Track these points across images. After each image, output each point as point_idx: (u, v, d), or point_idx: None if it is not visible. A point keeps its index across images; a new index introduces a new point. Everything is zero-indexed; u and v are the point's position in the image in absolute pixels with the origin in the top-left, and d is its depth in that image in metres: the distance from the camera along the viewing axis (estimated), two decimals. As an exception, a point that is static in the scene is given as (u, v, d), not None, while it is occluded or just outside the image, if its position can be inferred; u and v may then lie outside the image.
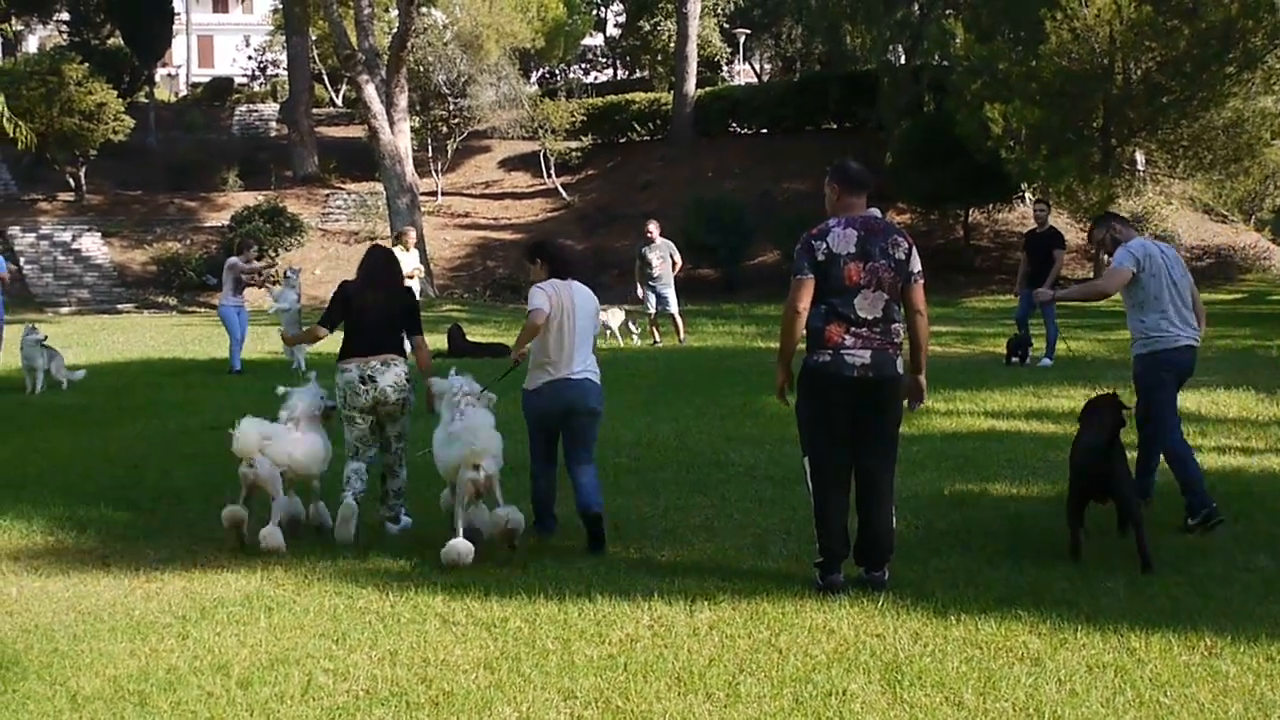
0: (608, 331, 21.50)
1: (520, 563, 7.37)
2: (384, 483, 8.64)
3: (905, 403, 6.86)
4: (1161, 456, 8.25)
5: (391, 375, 8.48)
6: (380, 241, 19.51)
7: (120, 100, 42.96)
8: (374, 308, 8.55)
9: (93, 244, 39.94)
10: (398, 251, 19.38)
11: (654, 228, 20.99)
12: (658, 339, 21.37)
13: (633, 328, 21.71)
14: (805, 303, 6.64)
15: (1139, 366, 8.30)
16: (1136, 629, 5.98)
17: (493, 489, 7.66)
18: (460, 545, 7.38)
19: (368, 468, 8.52)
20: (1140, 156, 31.54)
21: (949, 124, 30.43)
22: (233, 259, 18.73)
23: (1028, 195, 31.20)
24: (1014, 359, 16.77)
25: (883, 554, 6.76)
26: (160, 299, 37.22)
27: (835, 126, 43.06)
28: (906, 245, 6.69)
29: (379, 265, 8.80)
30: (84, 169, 42.93)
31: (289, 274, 19.33)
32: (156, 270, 38.37)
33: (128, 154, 45.29)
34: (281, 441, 8.28)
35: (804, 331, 6.72)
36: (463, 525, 7.51)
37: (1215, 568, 7.03)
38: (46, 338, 16.75)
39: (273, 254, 37.80)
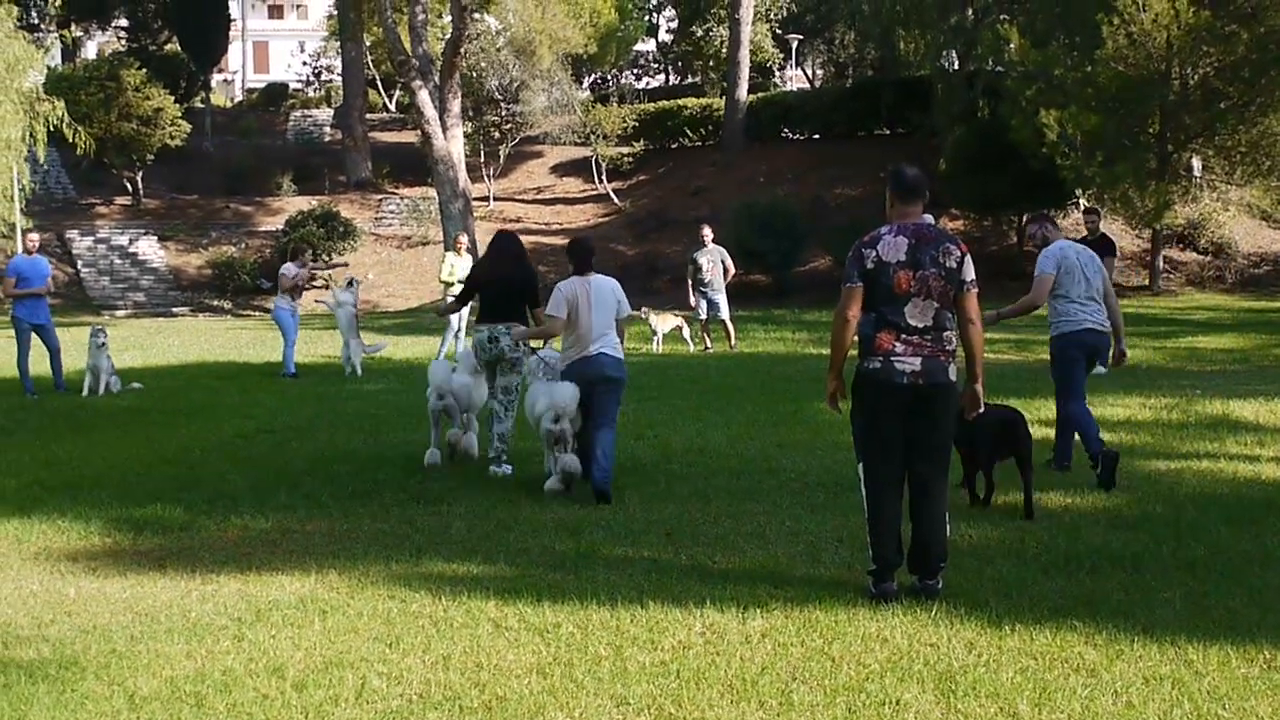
0: (654, 336, 21.49)
1: (572, 568, 7.39)
2: (491, 427, 10.75)
3: (962, 410, 6.83)
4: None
5: (510, 337, 10.62)
6: (466, 238, 19.87)
7: (177, 105, 43.47)
8: (499, 281, 10.68)
9: (149, 247, 40.39)
10: (450, 257, 19.52)
11: (708, 232, 21.04)
12: (709, 345, 21.36)
13: (689, 337, 21.71)
14: (855, 310, 6.64)
15: (1053, 346, 10.28)
16: (1194, 641, 5.91)
17: (566, 438, 9.66)
18: (568, 460, 9.62)
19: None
20: (1196, 162, 31.20)
21: (1003, 130, 30.24)
22: (287, 266, 18.84)
23: (1082, 201, 30.93)
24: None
25: (936, 562, 6.73)
26: (215, 302, 37.59)
27: (888, 132, 42.90)
28: (959, 253, 6.65)
29: (504, 247, 10.88)
30: (141, 173, 43.44)
31: (352, 282, 19.61)
32: (211, 274, 38.75)
33: (184, 159, 45.80)
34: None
35: (855, 339, 6.72)
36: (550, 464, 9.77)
37: (1273, 578, 6.95)
38: (105, 342, 16.92)
39: (326, 258, 38.09)
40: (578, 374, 9.80)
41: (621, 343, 10.01)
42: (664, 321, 21.69)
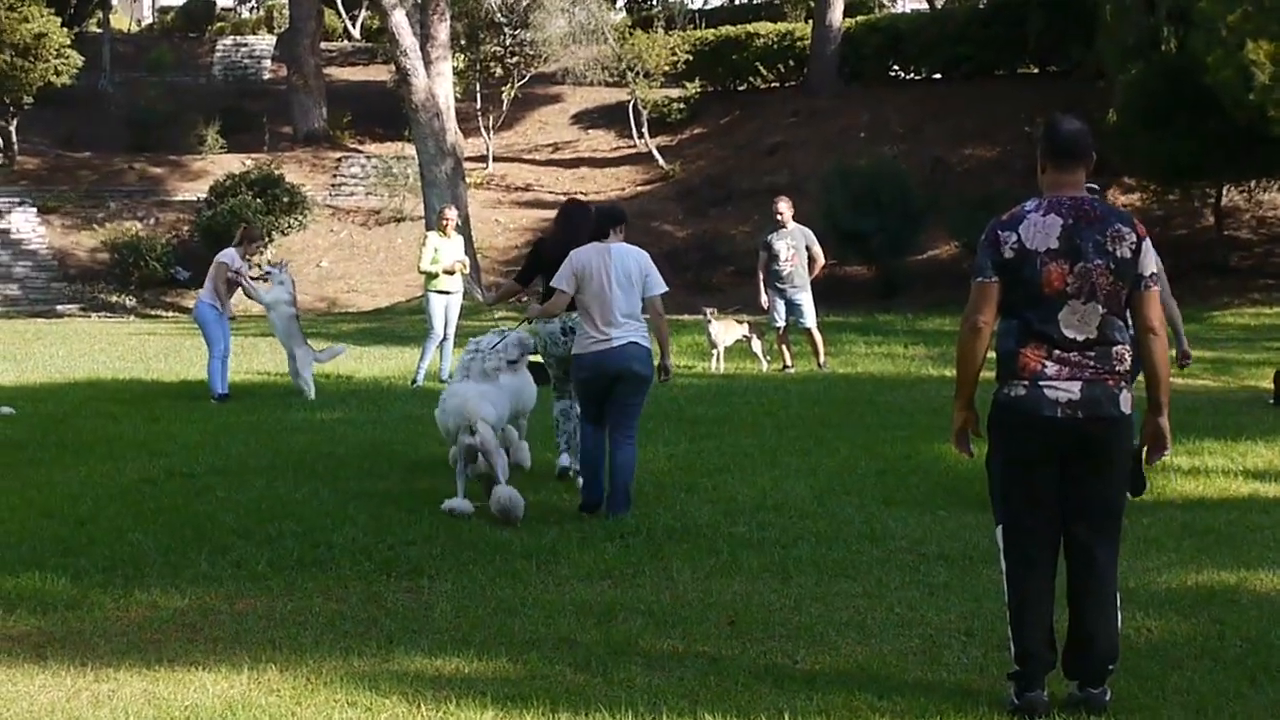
0: (714, 352, 21.49)
1: (600, 667, 7.39)
2: (560, 424, 12.29)
3: (1141, 454, 6.80)
4: None
5: None
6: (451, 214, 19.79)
7: (65, 30, 43.72)
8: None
9: (25, 223, 40.72)
10: (434, 239, 19.61)
11: (785, 207, 21.00)
12: (789, 362, 21.35)
13: (759, 349, 21.66)
14: (988, 316, 6.63)
15: None
16: None
17: (489, 454, 10.64)
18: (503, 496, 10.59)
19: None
20: None
21: (1196, 70, 30.09)
22: (226, 253, 18.84)
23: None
24: (1286, 397, 16.58)
25: (1102, 664, 6.70)
26: (114, 298, 37.90)
27: (1036, 71, 42.91)
28: (1134, 238, 6.63)
29: (575, 220, 11.62)
30: (15, 122, 43.78)
31: (273, 270, 19.24)
32: (109, 259, 39.06)
33: (73, 102, 46.22)
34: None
35: (991, 355, 6.71)
36: (462, 487, 10.77)
37: None
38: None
39: (264, 239, 38.18)
40: (593, 366, 10.73)
41: (666, 341, 11.24)
42: (727, 331, 21.61)
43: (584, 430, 11.28)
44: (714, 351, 21.55)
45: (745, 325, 21.97)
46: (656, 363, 11.26)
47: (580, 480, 11.51)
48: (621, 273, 10.76)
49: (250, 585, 9.17)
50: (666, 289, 11.34)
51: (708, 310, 21.58)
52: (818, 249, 21.00)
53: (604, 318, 10.70)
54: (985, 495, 6.94)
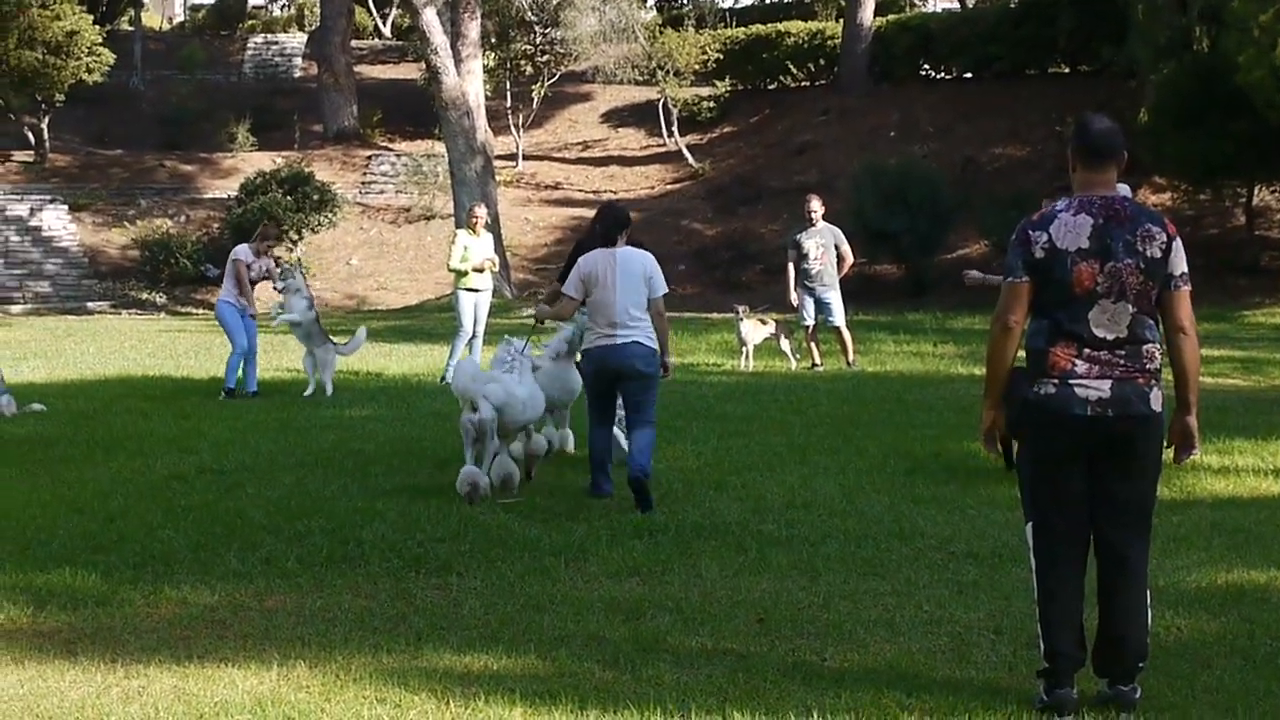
0: (744, 350, 21.46)
1: (629, 664, 7.40)
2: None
3: (1168, 453, 6.79)
4: None
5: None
6: (475, 214, 19.80)
7: (97, 29, 43.83)
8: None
9: (56, 220, 40.82)
10: (464, 237, 19.61)
11: (818, 205, 20.97)
12: (817, 361, 21.33)
13: (788, 348, 21.62)
14: (1018, 315, 6.65)
15: None
16: None
17: (482, 434, 11.38)
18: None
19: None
20: None
21: (1228, 70, 29.99)
22: (240, 249, 18.88)
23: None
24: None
25: (1132, 662, 6.69)
26: (145, 296, 37.98)
27: (1067, 70, 42.78)
28: (1164, 238, 6.61)
29: (613, 221, 11.80)
30: (47, 119, 43.88)
31: (286, 271, 19.16)
32: (140, 257, 39.13)
33: (105, 100, 46.36)
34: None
35: (1022, 355, 6.71)
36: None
37: None
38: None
39: (294, 236, 38.23)
40: (598, 360, 11.41)
41: (666, 339, 11.60)
42: (756, 329, 21.56)
43: (593, 431, 11.81)
44: (744, 349, 21.52)
45: (774, 324, 21.91)
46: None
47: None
48: (627, 276, 11.36)
49: (280, 582, 9.19)
50: (667, 290, 11.77)
51: (739, 308, 21.53)
52: (846, 248, 20.98)
53: (610, 319, 11.29)
54: (1014, 493, 6.92)
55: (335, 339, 19.41)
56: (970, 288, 14.43)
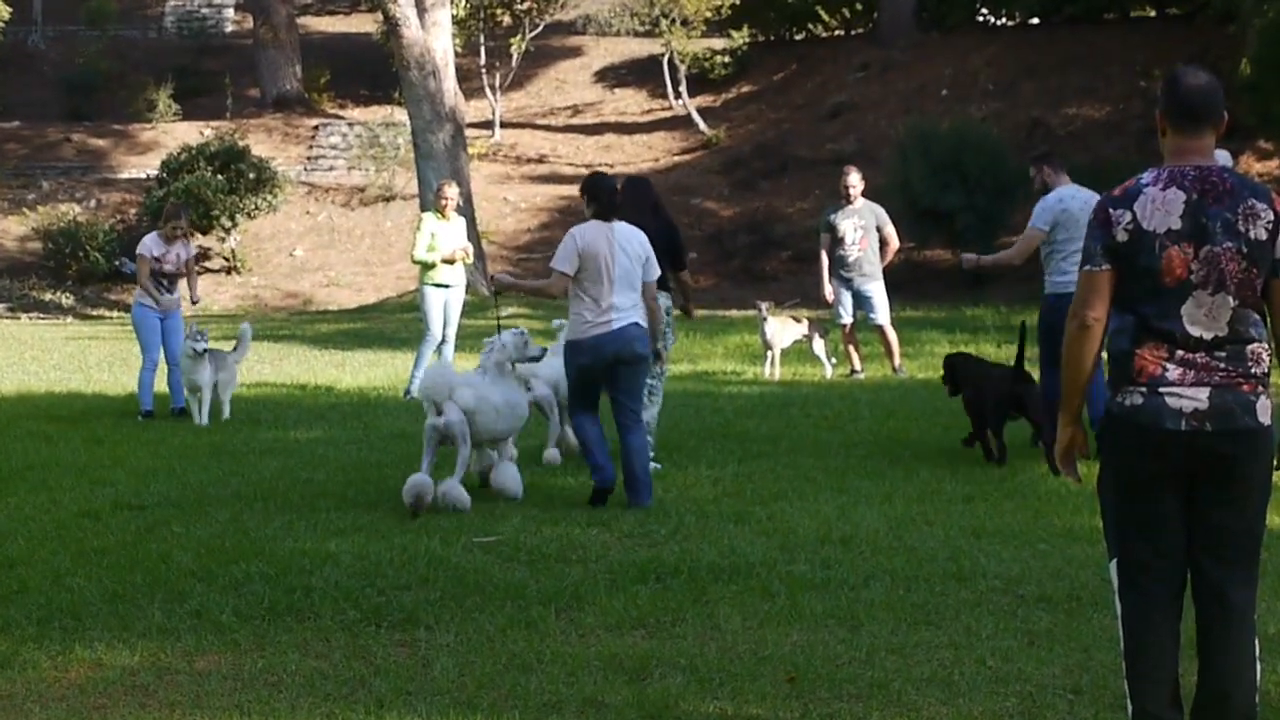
0: (769, 355, 21.44)
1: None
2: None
3: (1279, 475, 6.79)
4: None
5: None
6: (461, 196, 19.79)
7: (-13, -25, 43.91)
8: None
9: (-59, 207, 40.84)
10: (430, 221, 19.62)
11: (856, 180, 20.88)
12: (857, 366, 21.33)
13: (822, 352, 21.61)
14: (1099, 311, 6.62)
15: (1043, 306, 14.68)
16: None
17: (453, 439, 12.34)
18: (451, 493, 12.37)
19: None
20: None
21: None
22: (146, 240, 18.82)
23: None
24: None
25: (1238, 726, 6.69)
26: (48, 296, 38.02)
27: (1154, 14, 42.80)
28: (1271, 216, 6.58)
29: (638, 196, 13.98)
30: (-72, 86, 43.95)
31: (198, 335, 18.38)
32: (42, 249, 39.20)
33: (-2, 62, 46.33)
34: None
35: (1104, 357, 6.70)
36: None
37: None
38: None
39: (226, 223, 38.21)
40: (592, 350, 12.48)
41: (660, 326, 13.04)
42: (784, 329, 21.48)
43: (580, 419, 12.85)
44: (769, 354, 21.49)
45: (805, 323, 21.85)
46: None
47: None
48: (624, 253, 12.57)
49: (213, 639, 9.18)
50: (659, 274, 13.09)
51: (762, 305, 21.51)
52: (891, 230, 20.95)
53: (605, 300, 12.43)
54: (1096, 523, 6.92)
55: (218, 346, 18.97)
56: (967, 270, 15.80)
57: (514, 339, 13.21)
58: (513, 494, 12.94)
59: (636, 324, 12.55)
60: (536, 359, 13.53)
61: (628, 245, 12.57)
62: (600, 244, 12.48)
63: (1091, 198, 13.47)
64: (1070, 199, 14.25)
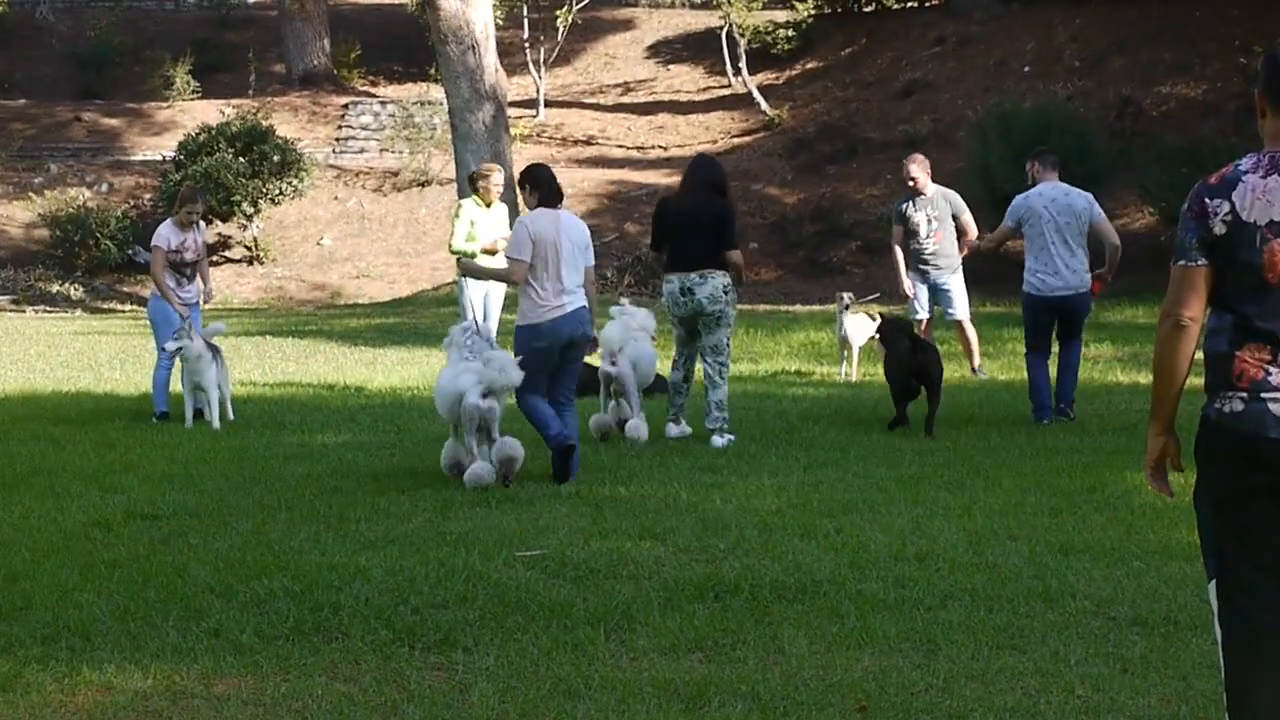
0: (846, 354, 21.32)
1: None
2: (706, 394, 16.28)
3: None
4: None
5: (709, 288, 15.82)
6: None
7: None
8: (687, 216, 15.87)
9: (-58, 191, 41.01)
10: (469, 208, 19.59)
11: (919, 171, 20.70)
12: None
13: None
14: (1194, 309, 6.54)
15: (1023, 300, 18.08)
16: None
17: (493, 421, 13.80)
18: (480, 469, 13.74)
19: (687, 382, 16.74)
20: None
21: None
22: (161, 229, 18.80)
23: None
24: None
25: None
26: (56, 288, 38.14)
27: (1257, -17, 42.62)
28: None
29: (701, 174, 16.10)
30: (-71, 61, 44.15)
31: (181, 334, 18.33)
32: (50, 238, 39.33)
33: (4, 36, 46.54)
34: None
35: (1201, 358, 6.64)
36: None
37: None
38: None
39: (249, 210, 38.29)
40: (551, 333, 14.26)
41: (595, 310, 14.83)
42: (862, 326, 21.40)
43: (532, 400, 14.33)
44: (845, 352, 21.35)
45: (878, 319, 21.61)
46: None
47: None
48: (569, 240, 14.41)
49: (232, 660, 9.18)
50: (842, 301, 15.48)
51: (845, 296, 21.29)
52: (968, 217, 20.86)
53: (557, 286, 14.25)
54: (1194, 540, 6.86)
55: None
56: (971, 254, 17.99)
57: (460, 333, 14.77)
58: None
59: (584, 307, 14.48)
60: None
61: (572, 232, 14.48)
62: (549, 231, 14.30)
63: (1058, 194, 17.57)
64: (1035, 195, 17.54)
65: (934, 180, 20.86)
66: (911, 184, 20.62)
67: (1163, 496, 7.11)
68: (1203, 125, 35.77)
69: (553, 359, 14.40)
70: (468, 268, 17.39)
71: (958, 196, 20.97)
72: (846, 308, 20.94)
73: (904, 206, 20.74)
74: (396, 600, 10.27)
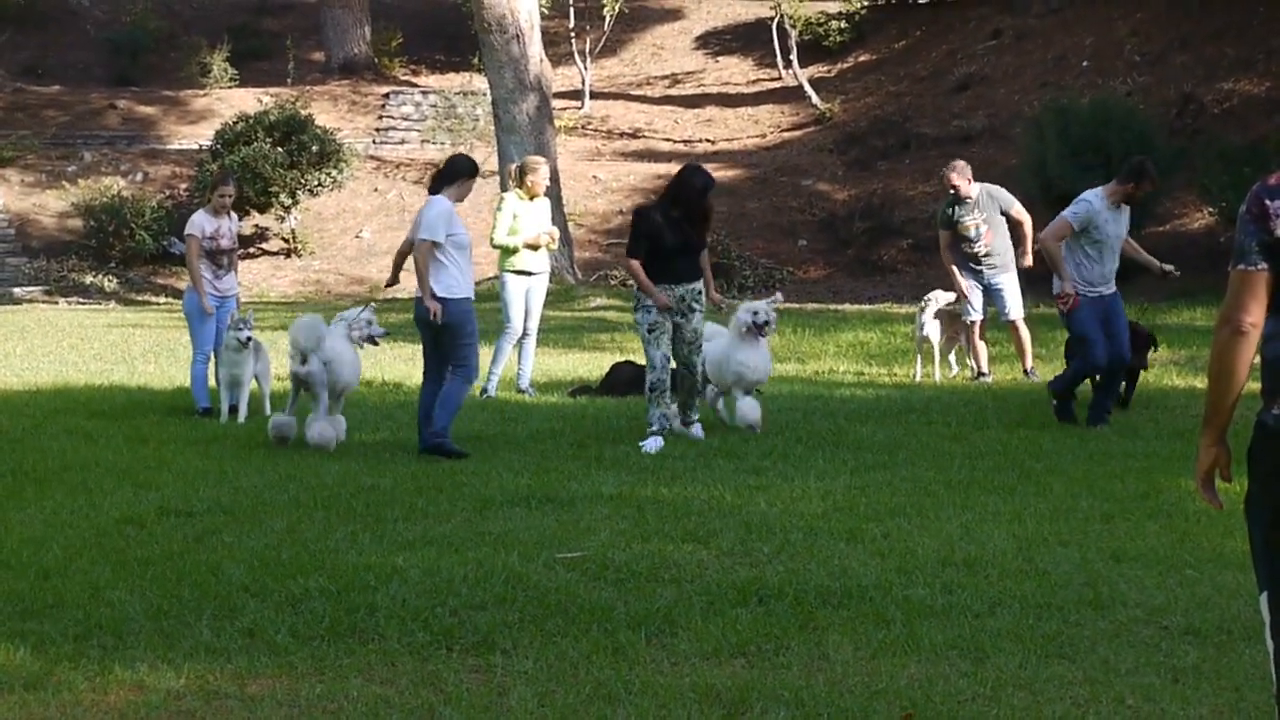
0: (925, 352, 21.10)
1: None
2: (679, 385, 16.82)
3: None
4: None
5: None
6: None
7: (27, -73, 44.15)
8: (672, 233, 16.45)
9: (-27, 179, 41.07)
10: (512, 201, 19.58)
11: (959, 179, 20.45)
12: (983, 369, 21.17)
13: (951, 354, 21.47)
14: (1255, 315, 6.51)
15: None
16: None
17: (314, 386, 15.96)
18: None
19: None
20: None
21: None
22: (195, 218, 18.74)
23: None
24: None
25: None
26: (90, 279, 38.18)
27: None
28: None
29: (689, 183, 16.48)
30: (-37, 46, 44.23)
31: (242, 323, 18.36)
32: (83, 228, 39.35)
33: (38, 21, 46.65)
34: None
35: (1257, 364, 6.63)
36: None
37: None
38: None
39: (286, 201, 38.33)
40: (465, 312, 16.16)
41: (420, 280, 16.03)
42: (939, 325, 21.18)
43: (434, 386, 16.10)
44: (922, 352, 21.19)
45: (939, 319, 21.51)
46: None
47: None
48: (460, 224, 16.51)
49: (267, 661, 9.22)
50: (426, 239, 16.12)
51: (933, 296, 20.90)
52: (1018, 207, 20.69)
53: (467, 265, 16.46)
54: (1248, 549, 6.85)
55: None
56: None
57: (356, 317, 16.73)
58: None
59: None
60: (375, 341, 16.97)
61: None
62: (455, 217, 16.40)
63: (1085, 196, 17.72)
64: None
65: (988, 179, 20.76)
66: (953, 191, 20.58)
67: (1213, 508, 7.09)
68: (1266, 123, 35.64)
69: (430, 338, 16.32)
70: (393, 274, 18.39)
71: (1002, 191, 20.81)
72: (927, 304, 20.75)
73: (950, 211, 20.57)
74: (434, 601, 10.29)
